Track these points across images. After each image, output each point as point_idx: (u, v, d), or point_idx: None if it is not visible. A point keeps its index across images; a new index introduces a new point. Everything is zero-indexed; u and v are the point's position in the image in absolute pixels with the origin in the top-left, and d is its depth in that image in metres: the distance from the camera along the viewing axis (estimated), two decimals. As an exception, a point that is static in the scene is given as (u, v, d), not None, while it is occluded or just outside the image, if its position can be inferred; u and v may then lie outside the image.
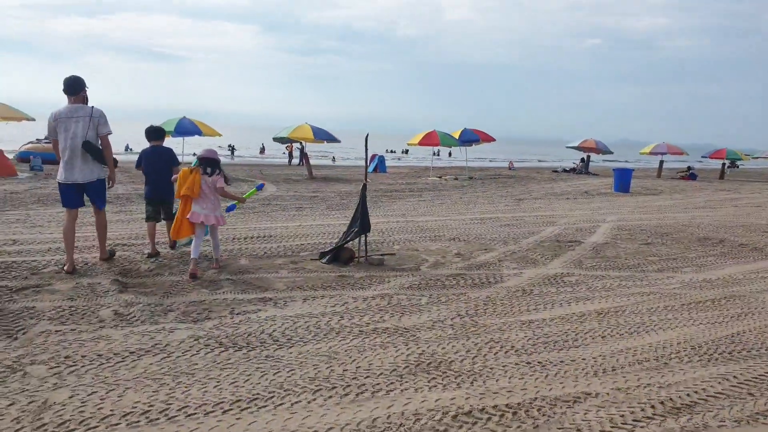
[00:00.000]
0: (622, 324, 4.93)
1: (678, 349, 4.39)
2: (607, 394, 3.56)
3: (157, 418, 3.04)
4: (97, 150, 5.66)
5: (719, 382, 3.83)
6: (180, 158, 7.34)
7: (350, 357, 3.93)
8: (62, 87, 5.67)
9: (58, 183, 5.73)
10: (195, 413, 3.10)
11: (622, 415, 3.28)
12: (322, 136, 20.67)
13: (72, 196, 5.76)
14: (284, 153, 34.38)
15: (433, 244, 8.19)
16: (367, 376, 3.63)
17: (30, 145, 22.46)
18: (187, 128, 19.94)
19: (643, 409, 3.36)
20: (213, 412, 3.13)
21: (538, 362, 4.00)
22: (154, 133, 6.91)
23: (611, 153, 31.83)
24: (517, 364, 3.95)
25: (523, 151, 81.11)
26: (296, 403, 3.27)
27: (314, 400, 3.31)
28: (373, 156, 28.99)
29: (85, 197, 5.93)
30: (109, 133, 5.81)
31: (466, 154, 26.92)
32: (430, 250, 7.74)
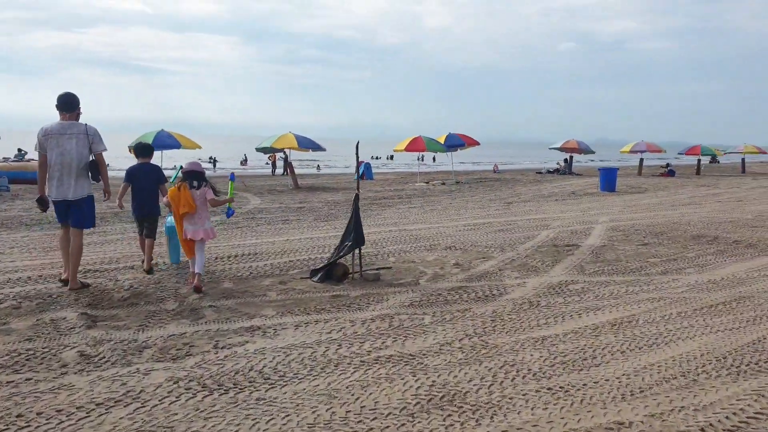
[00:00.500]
0: (639, 336, 4.58)
1: (703, 363, 4.04)
2: (642, 422, 3.18)
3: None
4: (97, 169, 5.72)
5: (755, 400, 3.48)
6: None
7: (353, 395, 3.50)
8: (56, 103, 5.62)
9: (51, 200, 5.70)
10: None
11: (665, 449, 2.91)
12: (306, 144, 20.21)
13: (63, 211, 5.74)
14: (267, 163, 33.79)
15: (430, 255, 7.79)
16: (374, 418, 3.21)
17: (-1, 164, 21.60)
18: (165, 141, 19.31)
19: (685, 440, 2.99)
20: (197, 474, 2.68)
21: (560, 387, 3.61)
22: (143, 150, 6.92)
23: (593, 153, 31.87)
24: (537, 391, 3.56)
25: (506, 154, 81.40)
26: (294, 456, 2.83)
27: (315, 450, 2.87)
28: (360, 163, 28.55)
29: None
30: (104, 150, 5.81)
31: (452, 159, 26.65)
32: (428, 261, 7.34)
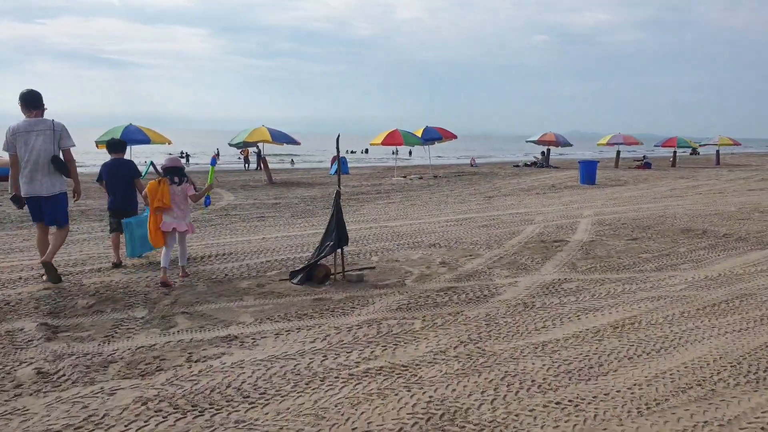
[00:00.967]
0: (644, 340, 4.33)
1: (717, 369, 3.81)
2: (661, 439, 2.92)
3: None
4: (63, 165, 5.67)
5: (778, 409, 3.25)
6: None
7: (342, 414, 3.15)
8: (19, 101, 5.62)
9: (24, 198, 5.70)
10: None
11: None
12: (280, 138, 19.69)
13: (37, 209, 5.74)
14: (239, 158, 33.00)
15: (414, 253, 7.47)
16: (369, 443, 2.87)
17: (-42, 162, 20.51)
18: (134, 136, 18.53)
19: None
20: None
21: (569, 401, 3.33)
22: (116, 146, 6.97)
23: (571, 146, 32.05)
24: (545, 406, 3.26)
25: (482, 147, 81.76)
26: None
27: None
28: (334, 158, 28.13)
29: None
30: (72, 146, 5.80)
31: (429, 153, 26.41)
32: (412, 260, 7.01)
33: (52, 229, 6.02)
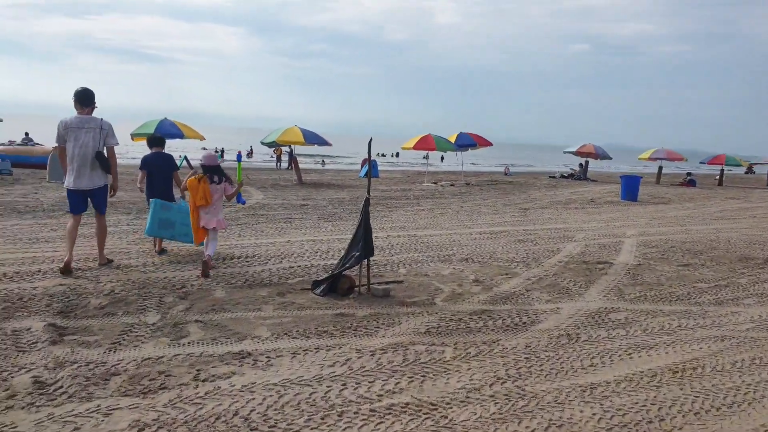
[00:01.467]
0: (712, 391, 3.77)
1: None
2: None
3: None
4: (106, 161, 5.97)
5: None
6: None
7: (361, 463, 2.73)
8: (73, 97, 5.89)
9: (66, 189, 6.00)
10: None
11: None
12: (312, 139, 19.45)
13: (78, 201, 6.01)
14: (272, 156, 33.05)
15: (445, 267, 7.01)
16: (390, 505, 2.44)
17: (0, 148, 20.99)
18: (168, 130, 18.59)
19: None
20: None
21: (626, 464, 2.83)
22: (156, 141, 7.42)
23: (610, 158, 30.96)
24: (598, 469, 2.78)
25: (516, 156, 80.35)
26: None
27: None
28: (365, 160, 27.82)
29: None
30: (116, 144, 6.10)
31: (462, 159, 25.84)
32: (443, 276, 6.56)
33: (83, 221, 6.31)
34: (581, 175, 29.11)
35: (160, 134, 8.70)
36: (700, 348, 4.57)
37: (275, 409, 3.21)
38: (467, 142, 23.82)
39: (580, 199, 17.81)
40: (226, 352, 4.00)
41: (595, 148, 28.89)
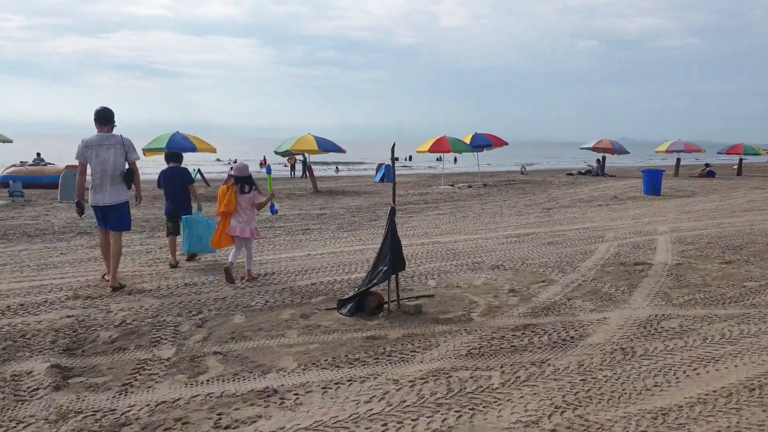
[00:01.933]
0: (798, 410, 3.32)
1: None
2: None
3: None
4: (132, 175, 6.16)
5: None
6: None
7: None
8: (94, 117, 6.10)
9: (91, 206, 6.14)
10: None
11: None
12: (326, 147, 19.14)
13: (101, 216, 6.15)
14: (285, 165, 32.82)
15: (476, 276, 6.59)
16: None
17: (12, 169, 20.99)
18: (180, 144, 18.39)
19: None
20: None
21: None
22: (172, 156, 7.70)
23: (628, 153, 30.31)
24: None
25: (531, 154, 79.45)
26: None
27: None
28: (379, 165, 27.42)
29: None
30: (138, 159, 6.29)
31: (478, 160, 25.40)
32: (476, 287, 6.13)
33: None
34: (599, 171, 28.48)
35: (169, 148, 8.81)
36: (775, 360, 4.10)
37: (308, 459, 2.81)
38: (483, 142, 23.36)
39: (602, 196, 17.25)
40: (250, 390, 3.61)
41: (612, 143, 28.27)
